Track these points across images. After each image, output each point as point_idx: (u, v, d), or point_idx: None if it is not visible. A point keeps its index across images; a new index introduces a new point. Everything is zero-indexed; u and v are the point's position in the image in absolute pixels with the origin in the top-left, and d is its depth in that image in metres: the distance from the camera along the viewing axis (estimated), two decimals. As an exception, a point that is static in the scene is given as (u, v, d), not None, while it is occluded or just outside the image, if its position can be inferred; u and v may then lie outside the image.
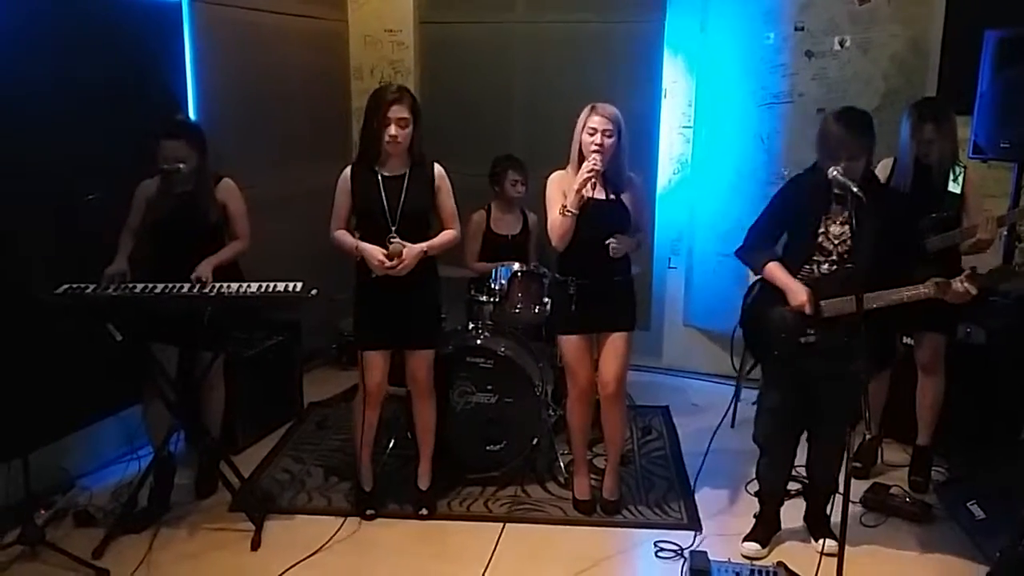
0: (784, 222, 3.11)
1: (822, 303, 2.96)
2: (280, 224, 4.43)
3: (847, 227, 2.95)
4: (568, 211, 3.14)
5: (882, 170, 3.54)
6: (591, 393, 3.39)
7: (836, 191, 2.96)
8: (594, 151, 3.11)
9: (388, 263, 3.14)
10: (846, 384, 2.95)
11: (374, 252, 3.16)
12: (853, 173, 2.83)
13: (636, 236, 3.30)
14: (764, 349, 3.16)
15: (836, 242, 2.99)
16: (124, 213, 3.32)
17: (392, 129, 3.13)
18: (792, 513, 3.42)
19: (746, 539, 3.25)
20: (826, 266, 3.01)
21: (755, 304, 3.16)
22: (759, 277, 3.14)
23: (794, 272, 3.04)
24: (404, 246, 3.15)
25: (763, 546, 3.22)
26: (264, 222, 3.70)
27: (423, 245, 3.20)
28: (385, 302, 3.25)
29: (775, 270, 3.04)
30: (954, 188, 3.47)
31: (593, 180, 3.11)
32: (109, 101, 3.52)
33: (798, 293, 2.97)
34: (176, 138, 3.25)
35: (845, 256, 2.98)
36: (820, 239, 3.01)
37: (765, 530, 3.28)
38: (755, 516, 3.34)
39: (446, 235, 3.31)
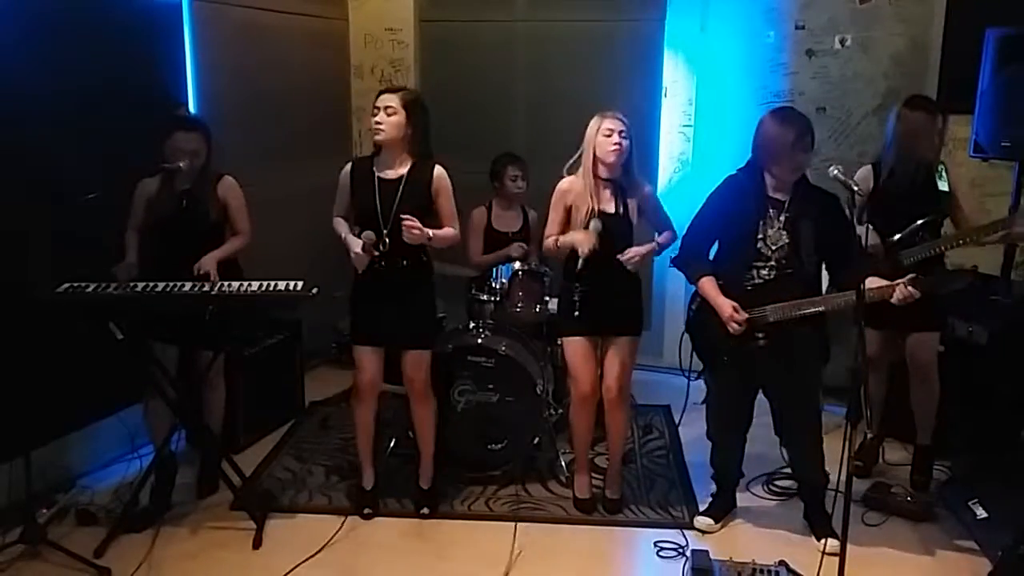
0: (721, 228, 3.12)
1: (768, 308, 3.00)
2: (280, 223, 4.42)
3: (784, 232, 3.00)
4: (560, 246, 3.25)
5: (864, 180, 3.48)
6: (594, 398, 3.38)
7: (771, 195, 3.03)
8: (613, 149, 3.15)
9: (362, 252, 3.13)
10: (802, 380, 3.08)
11: (352, 245, 3.19)
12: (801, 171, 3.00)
13: (662, 235, 3.36)
14: (712, 354, 3.21)
15: (774, 247, 3.02)
16: (124, 212, 3.33)
17: (377, 116, 3.14)
18: (793, 513, 3.43)
19: (702, 514, 3.41)
20: (766, 271, 3.04)
21: (701, 310, 3.19)
22: None
23: (736, 280, 3.07)
24: (377, 239, 3.14)
25: (716, 521, 3.37)
26: (264, 221, 3.69)
27: (429, 232, 3.14)
28: (378, 299, 3.24)
29: (707, 286, 3.11)
30: (943, 186, 3.46)
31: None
32: (109, 100, 3.51)
33: (723, 308, 3.04)
34: (191, 131, 3.27)
35: (783, 261, 3.01)
36: (759, 244, 3.03)
37: (720, 507, 3.44)
38: (711, 495, 3.49)
39: (448, 230, 3.27)
